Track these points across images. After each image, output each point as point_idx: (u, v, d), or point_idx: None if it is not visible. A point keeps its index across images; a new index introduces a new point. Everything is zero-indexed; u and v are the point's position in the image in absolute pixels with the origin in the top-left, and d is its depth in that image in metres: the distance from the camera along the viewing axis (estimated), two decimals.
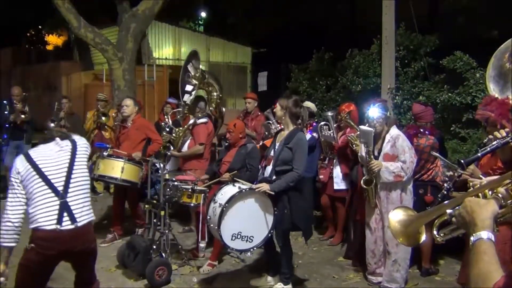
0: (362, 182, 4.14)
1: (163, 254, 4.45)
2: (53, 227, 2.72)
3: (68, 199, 2.80)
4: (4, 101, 7.27)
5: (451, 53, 6.28)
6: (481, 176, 2.78)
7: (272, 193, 3.86)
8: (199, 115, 5.62)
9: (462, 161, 2.26)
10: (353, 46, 8.15)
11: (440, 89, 6.37)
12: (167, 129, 5.75)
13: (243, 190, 3.94)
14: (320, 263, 4.91)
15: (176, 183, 4.60)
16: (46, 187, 2.77)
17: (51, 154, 2.88)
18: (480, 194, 1.55)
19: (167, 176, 4.77)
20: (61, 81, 12.47)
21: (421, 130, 4.42)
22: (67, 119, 7.40)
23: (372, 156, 4.05)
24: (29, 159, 2.83)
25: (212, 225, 3.95)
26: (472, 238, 1.34)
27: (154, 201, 4.64)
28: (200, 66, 6.07)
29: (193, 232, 5.60)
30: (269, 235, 3.98)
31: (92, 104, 8.48)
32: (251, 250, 3.99)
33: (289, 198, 3.92)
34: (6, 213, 2.77)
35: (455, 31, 11.04)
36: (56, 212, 2.75)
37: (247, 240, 3.91)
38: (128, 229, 5.69)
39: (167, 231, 4.52)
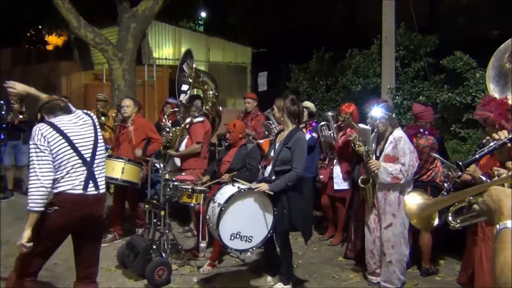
0: (359, 180, 4.16)
1: (163, 254, 4.45)
2: (80, 191, 3.02)
3: (94, 169, 3.11)
4: (1, 101, 7.24)
5: (451, 53, 6.28)
6: (481, 176, 2.78)
7: (271, 193, 3.86)
8: (196, 114, 5.62)
9: (460, 163, 2.26)
10: (353, 46, 8.15)
11: (440, 89, 6.38)
12: (167, 129, 5.75)
13: (242, 190, 3.94)
14: (320, 263, 4.92)
15: (176, 183, 4.60)
16: (76, 156, 3.03)
17: (77, 127, 3.13)
18: (505, 184, 1.56)
19: (167, 176, 4.77)
20: (61, 81, 12.44)
21: (421, 130, 4.42)
22: None
23: (371, 155, 4.06)
24: (58, 130, 3.02)
25: (211, 224, 3.95)
26: (498, 227, 1.36)
27: (154, 201, 4.64)
28: (194, 65, 6.03)
29: (193, 232, 5.60)
30: (269, 235, 3.98)
31: (92, 104, 8.48)
32: (251, 250, 3.98)
33: (288, 198, 3.92)
34: (37, 179, 2.90)
35: (455, 31, 11.03)
36: (84, 179, 3.05)
37: (246, 240, 3.91)
38: (128, 229, 5.69)
39: (167, 231, 4.52)
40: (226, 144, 5.41)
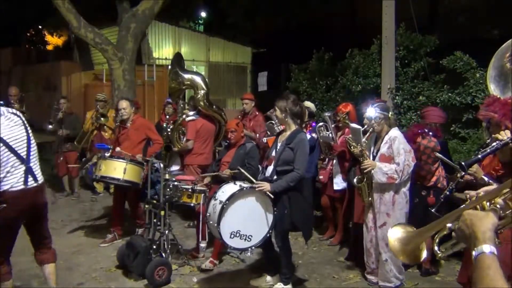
0: (355, 180, 4.18)
1: (163, 254, 4.44)
2: (22, 187, 3.35)
3: (31, 164, 3.43)
4: (1, 101, 7.22)
5: (451, 53, 6.29)
6: (483, 176, 2.77)
7: (271, 195, 3.85)
8: (189, 113, 5.76)
9: (462, 163, 2.25)
10: (353, 46, 8.16)
11: (440, 89, 6.38)
12: (168, 130, 5.77)
13: (244, 188, 3.94)
14: (320, 263, 4.91)
15: (176, 183, 4.60)
16: (14, 157, 3.33)
17: (9, 128, 3.40)
18: (478, 206, 1.47)
19: (167, 176, 4.77)
20: (61, 81, 12.43)
21: (426, 130, 4.39)
22: (65, 119, 7.38)
23: (365, 155, 4.06)
24: None
25: (211, 222, 3.95)
26: (474, 253, 1.28)
27: (154, 201, 4.63)
28: (169, 67, 6.06)
29: (193, 229, 5.59)
30: (268, 235, 3.98)
31: (92, 104, 8.46)
32: (249, 249, 3.98)
33: (289, 199, 3.92)
34: None
35: (455, 31, 11.04)
36: (23, 175, 3.37)
37: (245, 239, 3.91)
38: (128, 229, 5.69)
39: (167, 231, 4.52)
40: (226, 144, 5.41)
